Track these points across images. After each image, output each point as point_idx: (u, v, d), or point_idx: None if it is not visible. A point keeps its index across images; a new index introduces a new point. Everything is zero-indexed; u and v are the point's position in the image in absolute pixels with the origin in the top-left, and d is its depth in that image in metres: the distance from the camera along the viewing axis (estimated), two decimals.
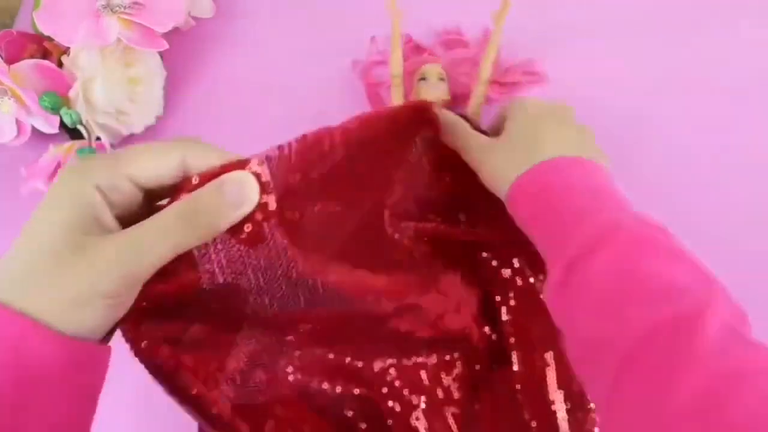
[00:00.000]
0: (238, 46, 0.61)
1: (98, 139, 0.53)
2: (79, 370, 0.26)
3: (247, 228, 0.28)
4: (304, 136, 0.30)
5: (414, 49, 0.55)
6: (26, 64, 0.52)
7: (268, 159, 0.28)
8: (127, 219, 0.26)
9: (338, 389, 0.39)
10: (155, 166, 0.27)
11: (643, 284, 0.27)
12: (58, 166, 0.51)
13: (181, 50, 0.59)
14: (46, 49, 0.56)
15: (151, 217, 0.26)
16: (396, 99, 0.49)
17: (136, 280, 0.26)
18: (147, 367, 0.29)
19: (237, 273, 0.30)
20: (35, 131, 0.53)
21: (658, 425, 0.23)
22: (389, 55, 0.48)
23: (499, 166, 0.36)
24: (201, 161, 0.27)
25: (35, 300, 0.24)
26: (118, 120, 0.55)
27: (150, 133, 0.57)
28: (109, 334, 0.28)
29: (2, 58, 0.51)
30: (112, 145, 0.54)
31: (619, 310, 0.27)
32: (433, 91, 0.49)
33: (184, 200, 0.26)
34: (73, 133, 0.54)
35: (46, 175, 0.51)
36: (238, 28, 0.62)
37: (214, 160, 0.27)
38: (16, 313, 0.24)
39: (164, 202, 0.27)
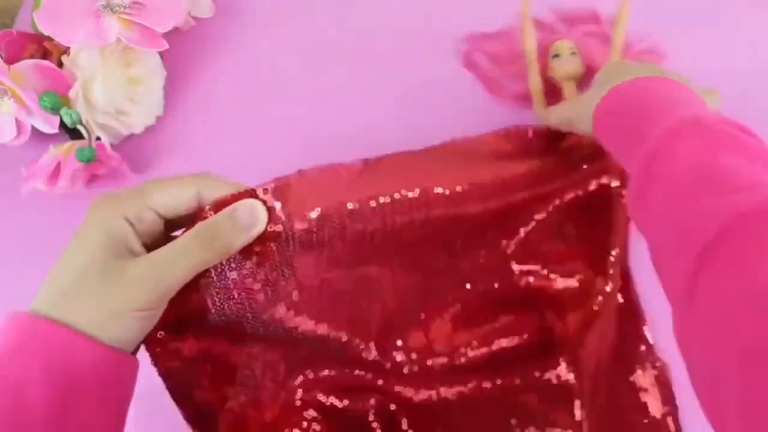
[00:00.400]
0: (238, 46, 0.61)
1: (98, 139, 0.53)
2: (118, 377, 0.29)
3: (257, 248, 0.32)
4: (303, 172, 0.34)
5: (540, 26, 0.55)
6: (26, 64, 0.51)
7: (274, 187, 0.32)
8: (151, 245, 0.30)
9: (360, 404, 0.40)
10: (175, 197, 0.31)
11: (721, 176, 0.27)
12: (58, 166, 0.51)
13: (181, 50, 0.59)
14: (46, 49, 0.56)
15: (172, 242, 0.30)
16: (533, 77, 0.51)
17: (163, 296, 0.29)
18: (162, 375, 0.33)
19: (249, 289, 0.33)
20: (35, 131, 0.53)
21: (745, 311, 0.23)
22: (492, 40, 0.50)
23: (587, 109, 0.37)
24: (213, 192, 0.31)
25: (80, 315, 0.27)
26: (118, 120, 0.55)
27: (150, 133, 0.57)
28: (137, 348, 0.31)
29: (2, 58, 0.51)
30: (112, 145, 0.54)
31: (696, 200, 0.27)
32: (568, 66, 0.50)
33: (202, 225, 0.30)
34: (73, 133, 0.54)
35: (46, 175, 0.51)
36: (238, 28, 0.61)
37: (226, 191, 0.31)
38: (65, 325, 0.27)
39: (180, 232, 0.31)
